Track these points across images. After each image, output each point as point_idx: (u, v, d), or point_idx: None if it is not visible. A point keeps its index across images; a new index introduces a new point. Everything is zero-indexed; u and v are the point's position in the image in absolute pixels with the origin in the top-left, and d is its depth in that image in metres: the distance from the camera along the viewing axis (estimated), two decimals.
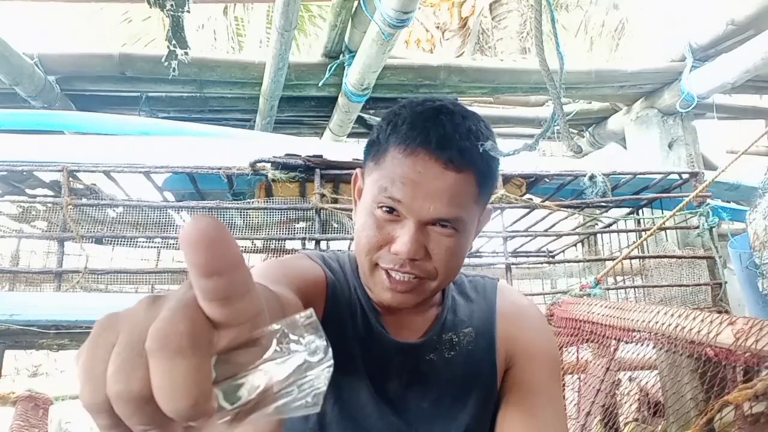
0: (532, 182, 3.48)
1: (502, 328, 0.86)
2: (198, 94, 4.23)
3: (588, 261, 3.97)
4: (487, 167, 0.75)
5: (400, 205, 0.72)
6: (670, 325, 1.22)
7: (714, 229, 3.40)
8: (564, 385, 2.10)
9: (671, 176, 3.61)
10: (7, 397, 1.69)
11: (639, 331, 1.41)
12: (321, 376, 0.31)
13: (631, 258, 3.28)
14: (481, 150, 0.74)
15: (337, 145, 4.40)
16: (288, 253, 2.87)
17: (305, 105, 4.46)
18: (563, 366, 2.13)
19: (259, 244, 3.22)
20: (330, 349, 0.32)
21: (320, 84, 3.94)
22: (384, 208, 0.73)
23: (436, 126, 0.73)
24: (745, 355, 1.00)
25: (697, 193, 3.04)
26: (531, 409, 0.79)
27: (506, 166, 3.49)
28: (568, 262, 4.41)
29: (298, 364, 0.31)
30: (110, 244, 3.06)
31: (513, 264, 3.40)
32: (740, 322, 1.01)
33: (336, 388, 0.79)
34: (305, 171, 3.01)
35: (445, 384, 0.82)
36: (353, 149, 3.56)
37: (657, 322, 1.29)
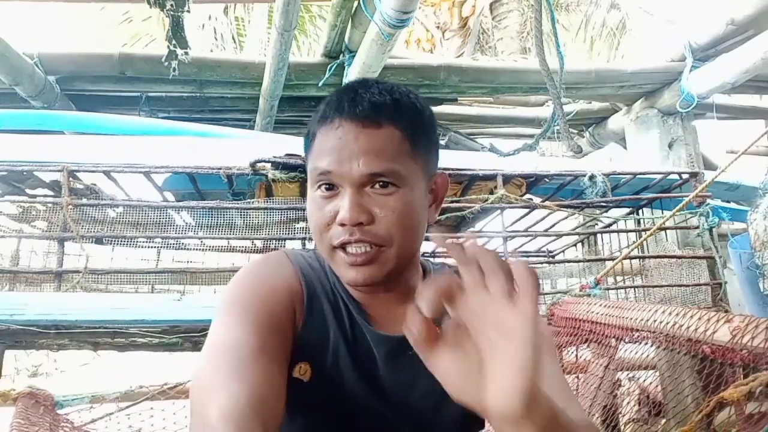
0: (532, 182, 3.47)
1: None
2: (198, 94, 4.23)
3: (588, 261, 3.97)
4: (412, 120, 0.76)
5: (332, 175, 0.73)
6: (668, 323, 1.23)
7: (714, 229, 3.40)
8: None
9: (671, 176, 3.61)
10: (7, 394, 1.68)
11: (638, 330, 1.41)
12: None
13: (631, 258, 3.28)
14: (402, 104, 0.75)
15: None
16: None
17: (305, 105, 4.46)
18: (563, 365, 2.13)
19: (259, 244, 3.22)
20: None
21: (320, 84, 3.94)
22: (322, 187, 0.75)
23: (348, 94, 0.76)
24: (741, 353, 1.00)
25: (697, 193, 3.04)
26: None
27: (506, 166, 3.49)
28: (568, 262, 4.41)
29: None
30: (110, 244, 3.05)
31: None
32: (737, 320, 1.01)
33: (327, 386, 0.79)
34: (305, 171, 3.01)
35: (430, 379, 0.77)
36: None
37: (656, 321, 1.29)
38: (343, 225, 0.72)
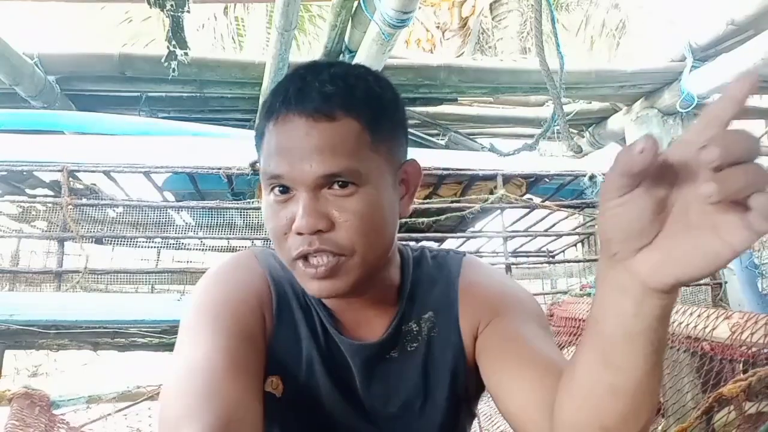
0: (532, 182, 3.48)
1: (465, 297, 0.77)
2: (198, 94, 4.23)
3: (588, 261, 3.98)
4: (371, 107, 0.67)
5: (284, 179, 0.65)
6: None
7: None
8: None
9: None
10: (2, 395, 1.67)
11: None
12: None
13: None
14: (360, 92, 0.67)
15: None
16: None
17: None
18: None
19: (259, 244, 3.22)
20: None
21: None
22: (275, 190, 0.67)
23: (295, 83, 0.67)
24: (740, 349, 1.00)
25: None
26: (521, 353, 0.69)
27: (506, 166, 3.49)
28: (568, 262, 4.41)
29: None
30: (110, 244, 3.06)
31: (513, 264, 3.41)
32: (736, 317, 1.02)
33: (301, 401, 0.75)
34: None
35: (411, 381, 0.77)
36: None
37: None
38: (300, 233, 0.65)
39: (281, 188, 0.67)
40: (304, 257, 0.66)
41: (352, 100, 0.66)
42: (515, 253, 4.90)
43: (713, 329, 1.04)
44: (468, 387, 0.78)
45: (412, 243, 0.88)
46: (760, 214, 0.38)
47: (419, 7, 4.32)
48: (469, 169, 3.26)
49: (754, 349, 0.97)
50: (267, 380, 0.72)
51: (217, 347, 0.65)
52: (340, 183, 0.65)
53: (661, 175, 0.42)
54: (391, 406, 0.76)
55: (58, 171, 2.89)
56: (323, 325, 0.76)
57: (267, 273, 0.77)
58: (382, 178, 0.68)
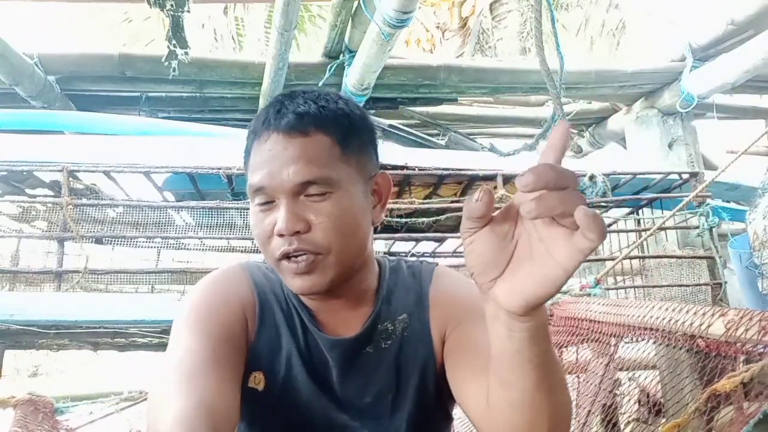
0: None
1: (436, 303, 0.86)
2: (198, 94, 4.23)
3: (588, 261, 3.97)
4: (340, 124, 0.76)
5: (267, 190, 0.74)
6: (665, 319, 1.23)
7: (714, 229, 3.40)
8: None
9: (671, 176, 3.61)
10: (7, 401, 1.68)
11: (636, 327, 1.41)
12: None
13: (631, 258, 3.28)
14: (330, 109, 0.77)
15: None
16: None
17: None
18: (564, 366, 2.12)
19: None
20: None
21: (320, 84, 3.94)
22: (259, 201, 0.76)
23: (275, 107, 0.77)
24: (735, 346, 1.00)
25: (697, 193, 3.04)
26: (477, 358, 0.75)
27: (506, 166, 3.49)
28: None
29: None
30: (110, 244, 3.06)
31: None
32: (731, 314, 1.02)
33: (281, 393, 0.81)
34: None
35: (384, 375, 0.83)
36: None
37: (653, 317, 1.29)
38: (281, 235, 0.73)
39: (264, 198, 0.76)
40: (287, 257, 0.74)
41: (323, 118, 0.75)
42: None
43: (709, 326, 1.04)
44: (440, 385, 0.83)
45: (391, 255, 0.96)
46: (581, 228, 0.45)
47: (419, 7, 4.32)
48: (469, 169, 3.26)
49: (748, 346, 0.98)
50: (251, 376, 0.80)
51: (200, 344, 0.73)
52: (315, 190, 0.73)
53: (506, 216, 0.51)
54: (365, 397, 0.82)
55: (58, 171, 2.89)
56: (303, 324, 0.83)
57: (251, 281, 0.85)
58: (354, 186, 0.77)
